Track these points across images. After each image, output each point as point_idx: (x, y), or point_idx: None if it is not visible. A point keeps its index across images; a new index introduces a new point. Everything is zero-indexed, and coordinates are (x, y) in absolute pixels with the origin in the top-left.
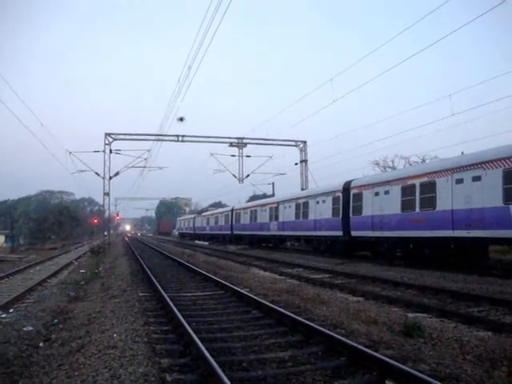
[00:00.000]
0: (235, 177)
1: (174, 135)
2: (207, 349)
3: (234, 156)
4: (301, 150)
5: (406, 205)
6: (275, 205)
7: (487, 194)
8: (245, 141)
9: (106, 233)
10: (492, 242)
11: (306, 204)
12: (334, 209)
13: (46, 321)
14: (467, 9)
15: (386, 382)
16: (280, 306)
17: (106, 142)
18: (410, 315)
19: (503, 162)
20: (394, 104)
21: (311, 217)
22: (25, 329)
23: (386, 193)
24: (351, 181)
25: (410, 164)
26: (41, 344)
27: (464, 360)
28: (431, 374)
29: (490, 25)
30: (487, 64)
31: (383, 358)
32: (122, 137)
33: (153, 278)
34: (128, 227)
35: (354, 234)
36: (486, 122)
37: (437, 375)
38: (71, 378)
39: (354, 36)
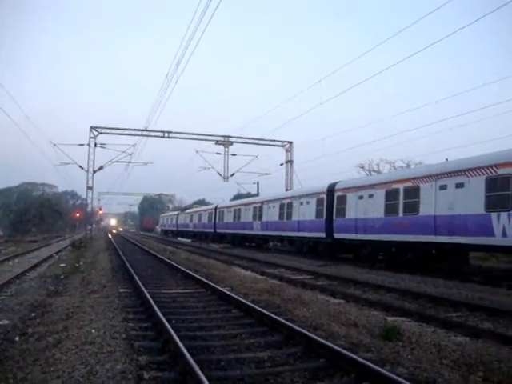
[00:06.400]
0: (220, 175)
1: (159, 131)
2: (186, 347)
3: (219, 154)
4: (287, 151)
5: (390, 209)
6: (259, 204)
7: (470, 201)
8: (231, 139)
9: (89, 227)
10: (473, 248)
11: (290, 205)
12: (317, 210)
13: (22, 315)
14: (462, 14)
15: None
16: (260, 306)
17: (91, 135)
18: (390, 319)
19: (486, 169)
20: (381, 108)
21: (295, 218)
22: (0, 322)
23: (370, 196)
24: (336, 183)
25: (395, 168)
26: (16, 338)
27: (441, 364)
28: (409, 378)
29: (485, 31)
30: (476, 71)
31: (362, 360)
32: (107, 131)
33: (133, 274)
34: (114, 221)
35: (337, 236)
36: (472, 129)
37: (414, 379)
38: (46, 373)
39: (343, 38)
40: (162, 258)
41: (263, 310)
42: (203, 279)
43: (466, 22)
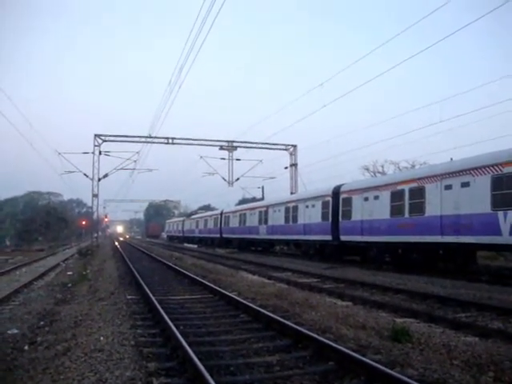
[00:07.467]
0: (225, 180)
1: (163, 137)
2: (194, 352)
3: (223, 159)
4: (291, 154)
5: (396, 210)
6: (264, 208)
7: (476, 200)
8: (235, 144)
9: (95, 234)
10: (480, 247)
11: (295, 208)
12: (323, 213)
13: (31, 323)
14: (459, 17)
15: None
16: (268, 310)
17: (96, 143)
18: (399, 320)
19: (492, 168)
20: (384, 109)
21: (300, 221)
22: (9, 332)
23: (376, 198)
24: (341, 185)
25: (400, 169)
26: (26, 347)
27: (451, 365)
28: (419, 379)
29: (480, 32)
30: (476, 71)
31: (371, 362)
32: (111, 138)
33: (141, 281)
34: (120, 228)
35: (343, 238)
36: (475, 128)
37: (424, 380)
38: (56, 381)
39: (344, 38)
40: (169, 264)
41: (271, 314)
42: (210, 285)
43: (465, 23)
